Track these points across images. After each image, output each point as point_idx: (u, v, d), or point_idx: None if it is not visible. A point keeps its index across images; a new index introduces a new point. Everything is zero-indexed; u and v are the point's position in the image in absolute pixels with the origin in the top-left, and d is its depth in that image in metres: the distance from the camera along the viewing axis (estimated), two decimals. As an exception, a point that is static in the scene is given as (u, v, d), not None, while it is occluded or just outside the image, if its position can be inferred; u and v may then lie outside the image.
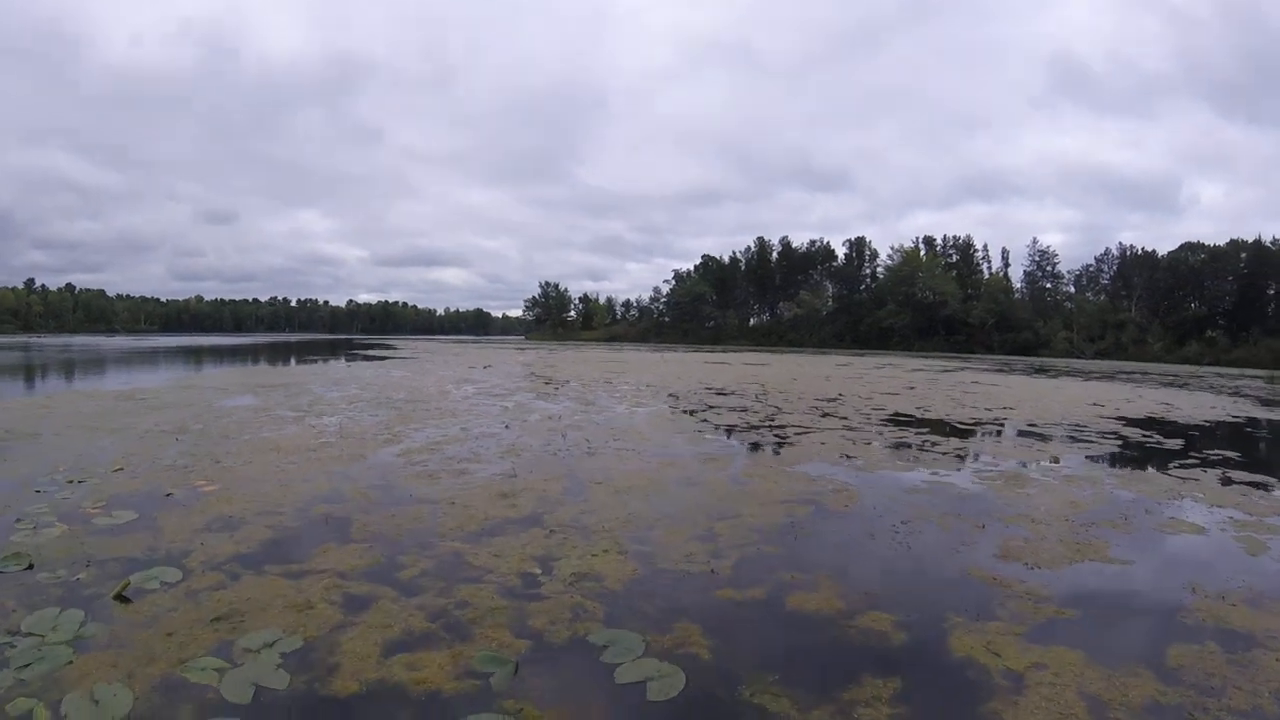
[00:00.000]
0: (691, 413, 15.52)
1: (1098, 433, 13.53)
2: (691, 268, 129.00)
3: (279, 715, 3.30)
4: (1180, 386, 30.24)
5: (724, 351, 69.86)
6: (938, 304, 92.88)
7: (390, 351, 56.30)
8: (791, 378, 28.45)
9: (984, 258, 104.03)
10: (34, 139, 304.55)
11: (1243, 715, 3.42)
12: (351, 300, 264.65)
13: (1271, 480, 9.33)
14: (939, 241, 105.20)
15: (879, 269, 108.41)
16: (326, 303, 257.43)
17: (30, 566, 4.92)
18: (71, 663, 3.59)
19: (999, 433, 13.87)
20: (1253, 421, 17.33)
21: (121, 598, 4.40)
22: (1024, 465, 9.92)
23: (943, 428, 13.94)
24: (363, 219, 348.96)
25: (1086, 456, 10.78)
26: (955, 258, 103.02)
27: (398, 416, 13.35)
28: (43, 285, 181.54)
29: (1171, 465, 10.24)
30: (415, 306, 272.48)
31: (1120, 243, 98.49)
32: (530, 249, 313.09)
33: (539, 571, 5.09)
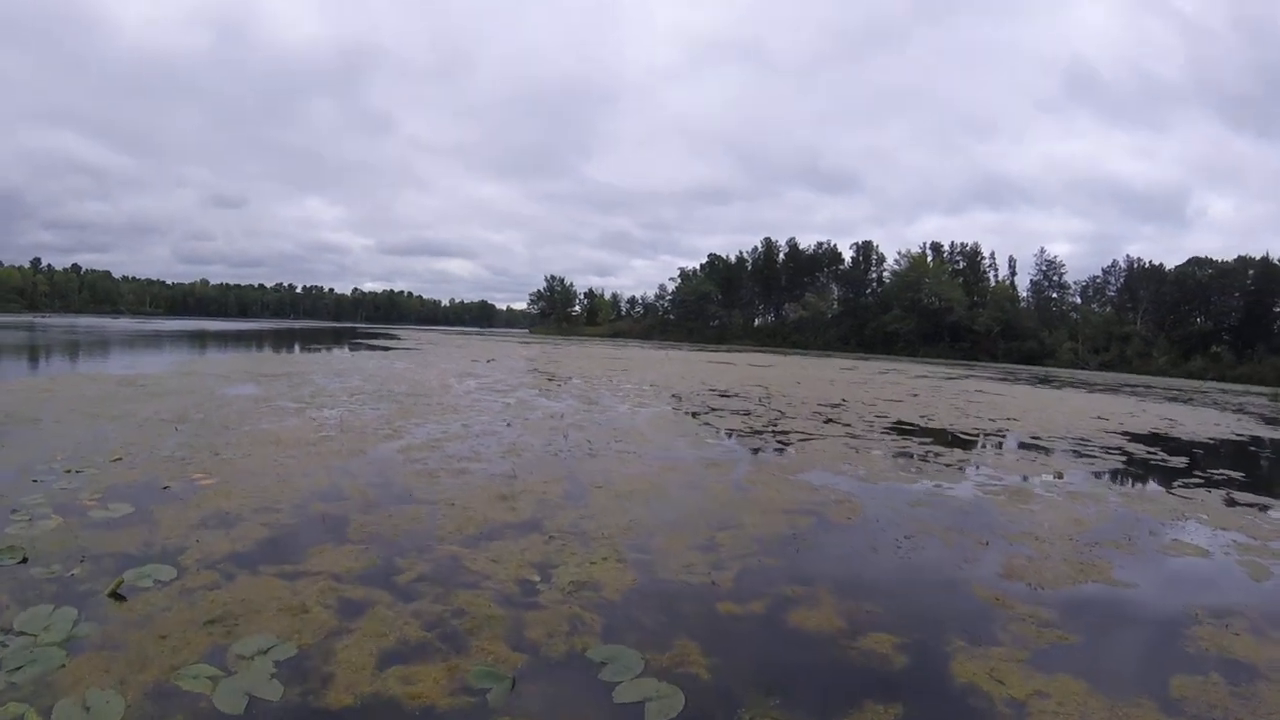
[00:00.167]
0: (694, 415, 15.46)
1: (1102, 447, 13.46)
2: (698, 266, 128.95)
3: (271, 727, 3.25)
4: (1184, 402, 30.16)
5: (728, 351, 69.77)
6: (943, 310, 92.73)
7: (394, 342, 56.22)
8: (795, 381, 28.38)
9: (991, 265, 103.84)
10: (45, 120, 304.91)
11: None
12: (357, 288, 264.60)
13: (1275, 502, 9.30)
14: (946, 248, 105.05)
15: (885, 273, 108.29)
16: (332, 290, 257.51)
17: (25, 560, 4.88)
18: (64, 666, 3.54)
19: (1003, 445, 13.81)
20: (1256, 440, 17.25)
21: (116, 595, 4.36)
22: (1028, 479, 9.85)
23: (946, 438, 13.87)
24: (370, 208, 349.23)
25: (1091, 472, 10.72)
26: (962, 264, 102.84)
27: (399, 410, 13.30)
28: (49, 265, 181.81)
29: (1175, 484, 10.19)
30: (420, 297, 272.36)
31: (1127, 255, 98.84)
32: (536, 243, 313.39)
33: (537, 579, 5.04)
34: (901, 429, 14.70)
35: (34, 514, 5.88)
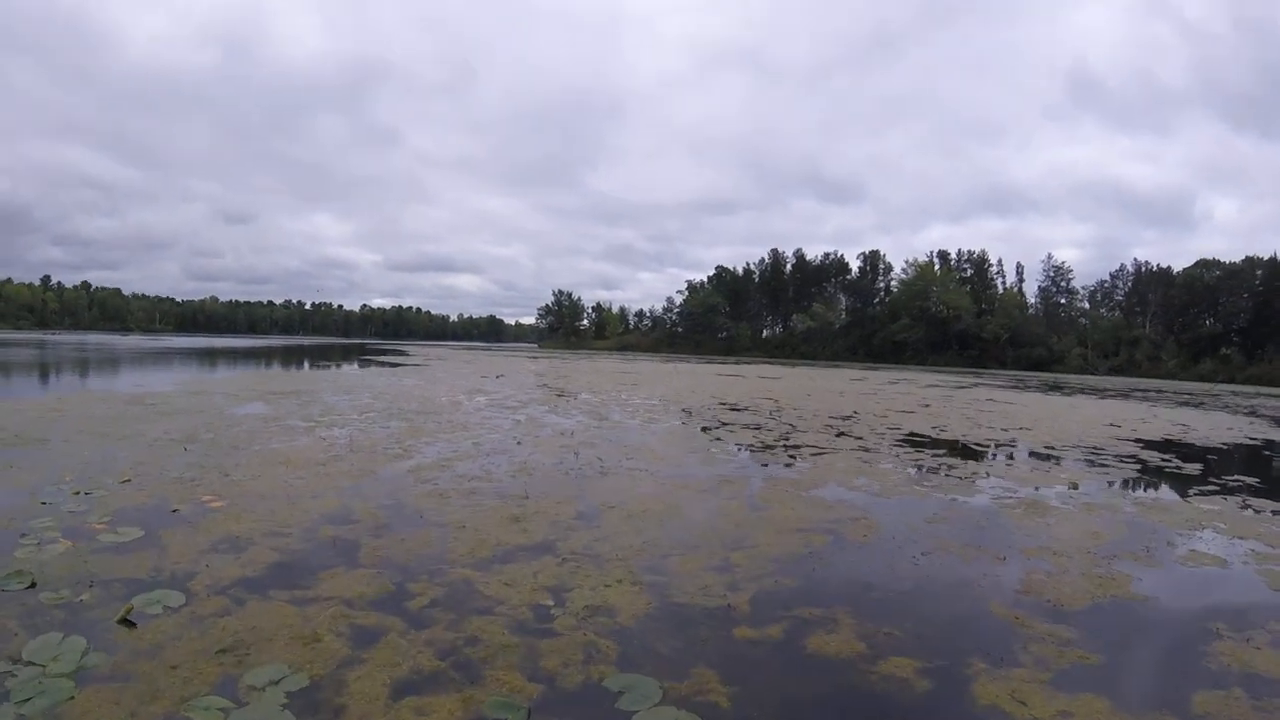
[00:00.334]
0: (705, 430, 15.39)
1: (1115, 456, 13.35)
2: (705, 278, 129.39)
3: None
4: (1196, 406, 29.99)
5: (736, 364, 69.77)
6: (951, 318, 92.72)
7: (403, 358, 56.34)
8: (805, 393, 28.28)
9: (998, 272, 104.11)
10: (54, 135, 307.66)
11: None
12: (365, 305, 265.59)
13: (1293, 509, 9.17)
14: (953, 256, 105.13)
15: (893, 282, 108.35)
16: (340, 307, 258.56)
17: (33, 585, 4.82)
18: (73, 698, 3.47)
19: (1016, 455, 13.68)
20: (1270, 444, 17.14)
21: (125, 622, 4.30)
22: (1043, 491, 9.73)
23: (959, 449, 13.77)
24: (377, 223, 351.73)
25: (1105, 482, 10.64)
26: (970, 272, 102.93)
27: (409, 429, 13.26)
28: (59, 282, 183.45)
29: (1191, 492, 10.11)
30: (429, 312, 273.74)
31: (1135, 259, 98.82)
32: (543, 256, 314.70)
33: (551, 603, 4.96)
34: (914, 441, 14.59)
35: (42, 538, 5.84)
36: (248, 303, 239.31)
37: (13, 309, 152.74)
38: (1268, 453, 15.80)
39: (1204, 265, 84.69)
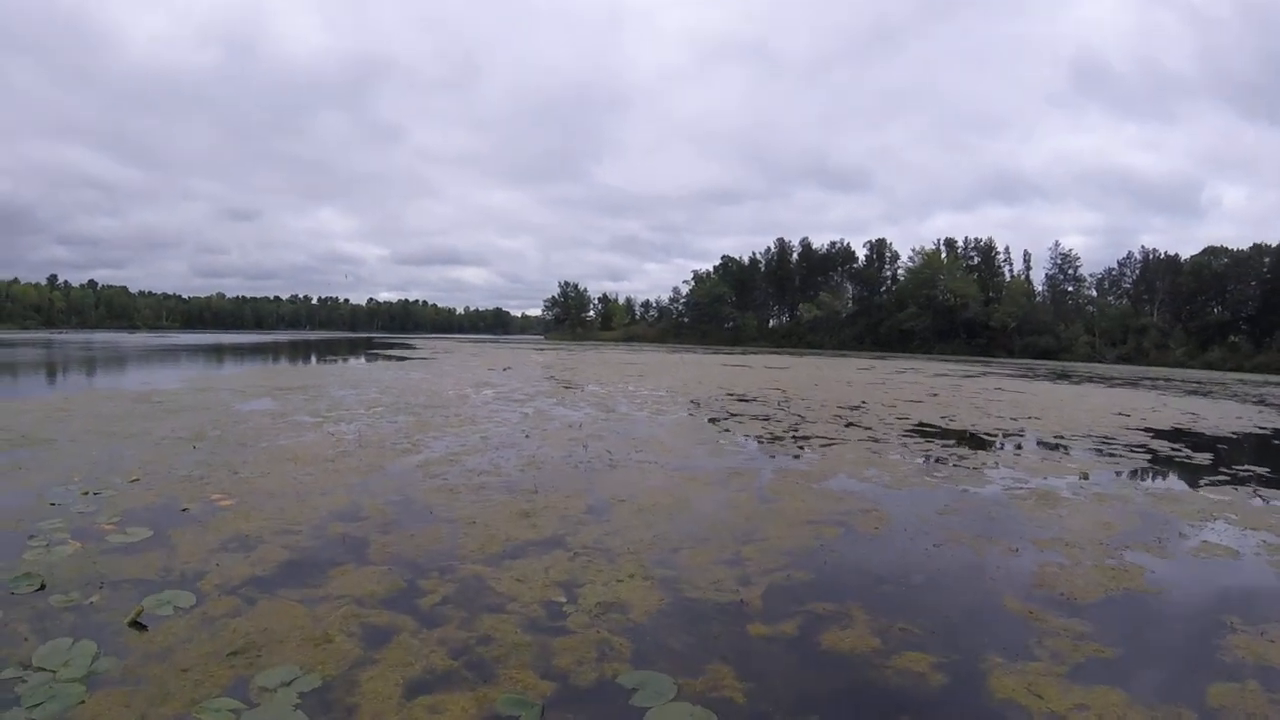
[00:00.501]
0: (713, 421, 15.34)
1: (1125, 445, 13.27)
2: (711, 268, 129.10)
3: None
4: (1204, 395, 29.84)
5: (743, 354, 69.63)
6: (959, 307, 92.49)
7: (410, 351, 56.42)
8: (813, 383, 28.22)
9: (1005, 260, 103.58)
10: (55, 135, 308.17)
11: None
12: (372, 299, 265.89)
13: (1304, 499, 9.10)
14: (960, 244, 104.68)
15: (899, 271, 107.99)
16: (347, 301, 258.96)
17: (43, 587, 4.81)
18: (84, 702, 3.45)
19: (1026, 445, 13.62)
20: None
21: (136, 624, 4.27)
22: (1054, 481, 9.66)
23: (969, 439, 13.71)
24: (382, 218, 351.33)
25: (1116, 472, 10.55)
26: (977, 260, 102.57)
27: (417, 423, 13.24)
28: (65, 281, 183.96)
29: (1202, 482, 10.04)
30: (435, 305, 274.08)
31: (1142, 246, 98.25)
32: (549, 248, 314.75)
33: (563, 600, 4.92)
34: (923, 431, 14.53)
35: (51, 539, 5.82)
36: (254, 298, 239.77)
37: (20, 309, 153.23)
38: (1277, 442, 15.69)
39: (1212, 253, 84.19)
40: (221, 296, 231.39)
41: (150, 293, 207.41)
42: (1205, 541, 6.97)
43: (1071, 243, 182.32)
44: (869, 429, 14.45)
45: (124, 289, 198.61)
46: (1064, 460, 11.57)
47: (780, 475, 9.60)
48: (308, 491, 7.77)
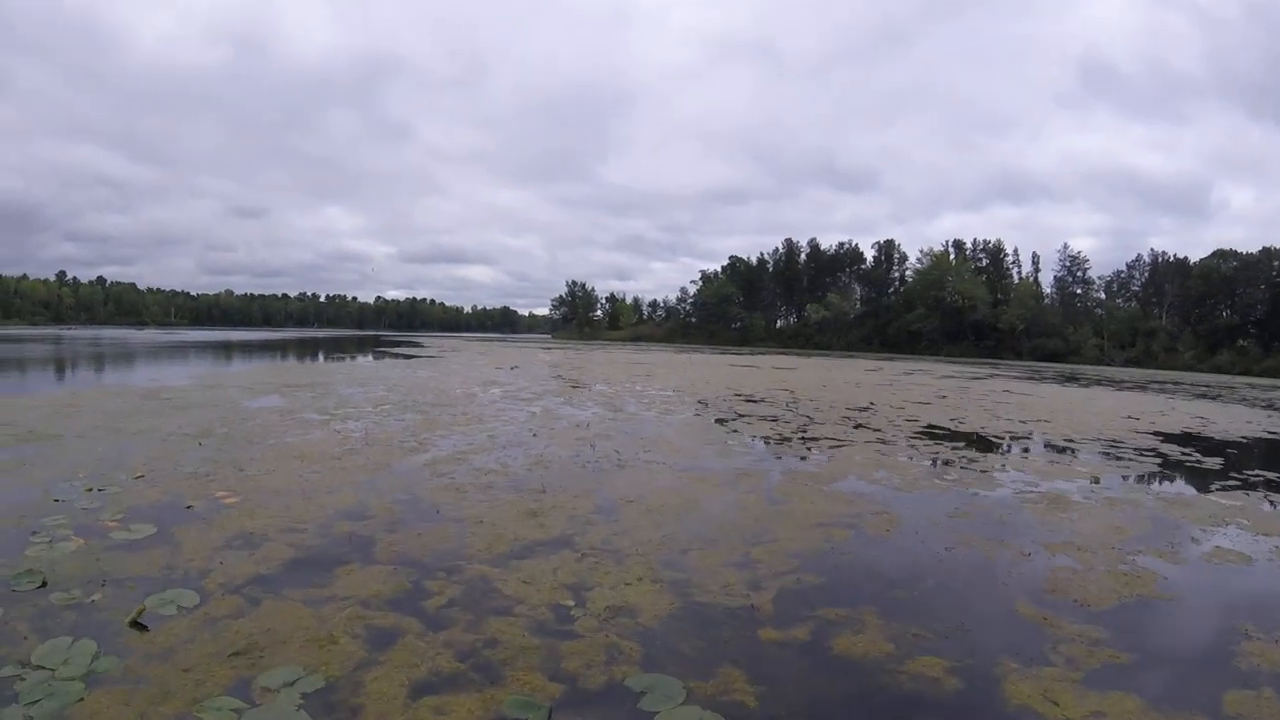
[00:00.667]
0: (721, 421, 15.27)
1: (1135, 449, 13.15)
2: (718, 268, 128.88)
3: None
4: (1214, 399, 29.66)
5: (751, 354, 69.53)
6: (967, 308, 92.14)
7: (417, 350, 56.42)
8: (821, 384, 28.13)
9: (1014, 262, 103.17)
10: (65, 134, 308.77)
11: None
12: (379, 297, 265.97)
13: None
14: (969, 245, 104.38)
15: (908, 272, 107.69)
16: (355, 299, 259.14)
17: (44, 584, 4.76)
18: (82, 700, 3.39)
19: (1035, 448, 13.52)
20: (1293, 438, 16.87)
21: (137, 624, 4.21)
22: (1064, 485, 9.57)
23: (979, 442, 13.62)
24: (390, 216, 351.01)
25: (1126, 476, 10.47)
26: (985, 261, 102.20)
27: (424, 421, 13.19)
28: (74, 278, 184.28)
29: (1213, 486, 9.94)
30: (442, 304, 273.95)
31: (1151, 249, 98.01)
32: (555, 247, 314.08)
33: (571, 603, 4.85)
34: (932, 433, 14.43)
35: (54, 535, 5.78)
36: (262, 296, 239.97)
37: (29, 305, 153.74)
38: (1289, 446, 15.57)
39: (1221, 256, 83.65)
40: (230, 294, 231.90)
41: (158, 289, 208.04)
42: (1217, 547, 6.89)
43: (1080, 244, 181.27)
44: (878, 430, 14.37)
45: (132, 285, 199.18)
46: (1074, 464, 11.48)
47: (789, 476, 9.52)
48: (314, 489, 7.72)
